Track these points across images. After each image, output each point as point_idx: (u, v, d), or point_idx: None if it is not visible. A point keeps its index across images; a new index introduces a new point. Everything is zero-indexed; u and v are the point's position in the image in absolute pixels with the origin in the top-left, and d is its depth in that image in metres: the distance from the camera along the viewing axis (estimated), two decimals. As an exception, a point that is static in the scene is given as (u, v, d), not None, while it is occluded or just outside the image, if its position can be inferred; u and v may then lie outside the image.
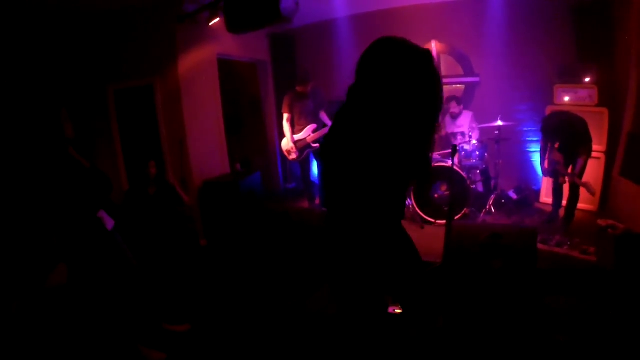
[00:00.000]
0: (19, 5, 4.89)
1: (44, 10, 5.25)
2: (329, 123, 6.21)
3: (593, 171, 5.59)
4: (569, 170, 5.08)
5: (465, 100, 6.84)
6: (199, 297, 4.49)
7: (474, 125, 6.22)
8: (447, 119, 6.59)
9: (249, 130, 8.29)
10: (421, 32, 7.17)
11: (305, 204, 6.83)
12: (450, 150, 4.26)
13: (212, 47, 6.35)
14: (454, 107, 6.44)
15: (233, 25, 5.20)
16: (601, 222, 5.19)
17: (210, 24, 5.60)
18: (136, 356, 3.46)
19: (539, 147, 5.58)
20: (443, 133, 6.62)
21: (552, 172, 5.35)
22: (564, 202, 5.40)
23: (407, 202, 6.10)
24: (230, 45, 6.70)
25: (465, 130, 6.13)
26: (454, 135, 6.41)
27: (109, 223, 3.91)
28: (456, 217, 5.52)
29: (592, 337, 3.28)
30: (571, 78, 6.04)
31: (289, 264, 4.61)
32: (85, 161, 3.67)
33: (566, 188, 5.34)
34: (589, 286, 3.90)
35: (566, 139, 5.10)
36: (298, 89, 6.21)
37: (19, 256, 2.97)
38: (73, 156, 3.58)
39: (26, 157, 3.59)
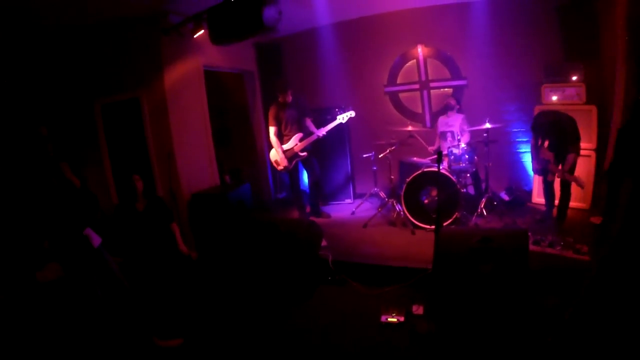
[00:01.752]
0: (3, 22, 4.84)
1: (28, 26, 5.20)
2: (315, 130, 6.21)
3: (584, 169, 5.59)
4: (559, 167, 5.08)
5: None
6: (191, 311, 4.44)
7: (465, 128, 6.21)
8: (442, 119, 6.59)
9: (237, 141, 8.25)
10: (407, 37, 7.22)
11: (296, 214, 6.80)
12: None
13: (198, 59, 6.32)
14: (452, 100, 6.46)
15: (217, 37, 5.17)
16: (594, 219, 5.19)
17: (195, 35, 5.58)
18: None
19: (530, 146, 5.58)
20: (438, 143, 6.62)
21: (542, 170, 5.35)
22: (557, 202, 5.39)
23: (397, 208, 6.09)
24: (216, 56, 6.68)
25: (455, 130, 6.10)
26: (444, 134, 6.41)
27: (96, 240, 3.88)
28: (447, 222, 5.49)
29: (583, 337, 3.25)
30: (558, 77, 6.05)
31: (277, 275, 4.57)
32: (76, 180, 3.66)
33: (557, 187, 5.33)
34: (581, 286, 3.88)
35: (555, 137, 5.10)
36: (280, 99, 6.22)
37: (8, 254, 2.96)
38: (64, 174, 3.57)
39: (10, 172, 3.56)
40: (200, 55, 6.32)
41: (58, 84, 5.96)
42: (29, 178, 3.43)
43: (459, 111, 6.45)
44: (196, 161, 6.31)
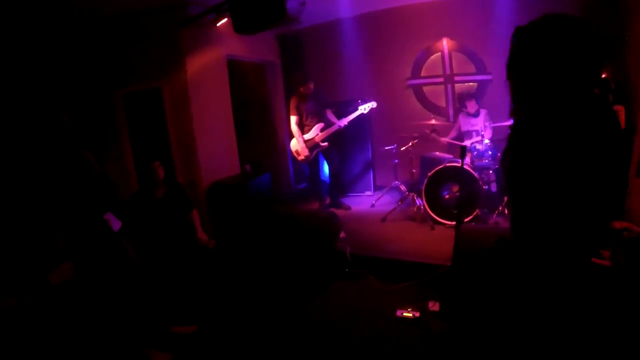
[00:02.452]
0: (26, 14, 4.91)
1: (51, 18, 5.28)
2: (335, 121, 6.21)
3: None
4: None
5: (478, 98, 6.69)
6: (206, 298, 4.47)
7: (487, 124, 6.10)
8: (464, 117, 6.48)
9: (258, 132, 8.26)
10: (431, 30, 7.12)
11: (315, 205, 6.80)
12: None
13: (221, 49, 6.33)
14: (471, 107, 6.33)
15: (240, 26, 5.18)
16: (616, 224, 5.05)
17: (218, 25, 5.59)
18: (141, 357, 3.45)
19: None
20: (454, 134, 6.54)
21: None
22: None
23: (417, 202, 6.04)
24: (238, 47, 6.69)
25: (479, 128, 6.01)
26: (469, 133, 6.32)
27: (116, 224, 3.92)
28: (467, 219, 5.42)
29: (602, 343, 3.18)
30: (584, 75, 5.88)
31: (294, 268, 4.57)
32: (97, 166, 3.71)
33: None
34: (601, 291, 3.79)
35: None
36: (301, 90, 6.21)
37: (21, 254, 2.98)
38: (88, 160, 3.61)
39: (31, 159, 3.61)
40: (222, 45, 6.33)
41: (81, 74, 6.03)
42: (49, 164, 3.47)
43: (482, 107, 6.34)
44: (217, 150, 6.33)
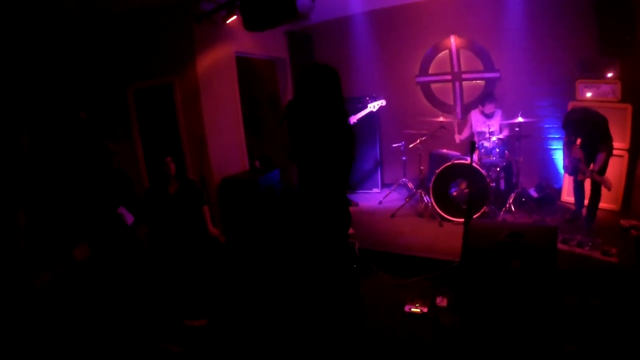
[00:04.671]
0: (38, 9, 4.97)
1: (63, 14, 5.33)
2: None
3: (616, 169, 5.47)
4: (590, 168, 4.97)
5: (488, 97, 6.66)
6: (218, 293, 4.53)
7: (502, 123, 6.12)
8: (478, 116, 6.45)
9: (268, 128, 8.31)
10: (440, 27, 7.14)
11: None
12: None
13: (230, 45, 6.37)
14: (489, 108, 6.29)
15: (250, 23, 5.22)
16: (624, 222, 5.09)
17: (228, 22, 5.63)
18: (153, 349, 3.51)
19: (562, 143, 5.46)
20: (466, 134, 6.55)
21: (573, 169, 5.24)
22: (586, 201, 5.29)
23: (425, 199, 6.08)
24: (248, 43, 6.72)
25: (495, 130, 5.98)
26: (482, 133, 6.22)
27: (129, 218, 3.99)
28: (475, 216, 5.46)
29: (610, 341, 3.23)
30: (593, 73, 5.90)
31: (304, 261, 4.62)
32: (114, 161, 3.78)
33: (588, 186, 5.23)
34: (609, 288, 3.83)
35: (585, 135, 4.97)
36: None
37: (48, 234, 3.12)
38: (108, 152, 3.69)
39: (49, 153, 3.67)
40: (232, 42, 6.37)
41: (93, 70, 6.07)
42: (67, 159, 3.54)
43: (497, 107, 6.35)
44: (227, 146, 6.39)
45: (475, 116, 6.47)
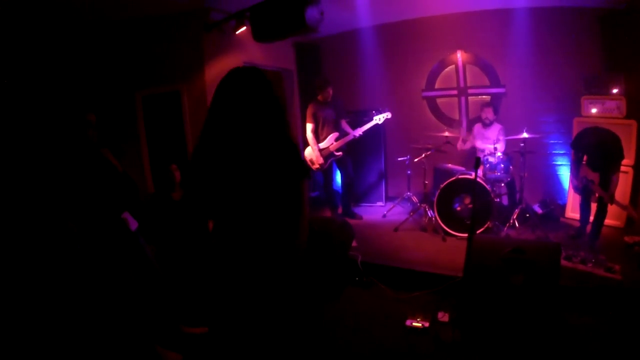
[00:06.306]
0: (50, 15, 5.04)
1: (75, 20, 5.41)
2: (350, 131, 6.25)
3: (620, 186, 5.44)
4: (607, 192, 4.86)
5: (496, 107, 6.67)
6: (219, 300, 4.51)
7: (500, 138, 6.12)
8: (478, 128, 6.50)
9: (273, 139, 8.31)
10: (446, 42, 7.18)
11: (328, 213, 6.84)
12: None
13: (239, 55, 6.41)
14: (489, 113, 6.31)
15: (259, 34, 5.28)
16: (628, 239, 5.07)
17: (237, 32, 5.68)
18: (152, 356, 3.50)
19: (569, 162, 5.43)
20: (468, 146, 6.56)
21: (583, 189, 5.20)
22: (591, 218, 5.26)
23: (429, 214, 6.07)
24: (256, 54, 6.76)
25: (491, 142, 6.01)
26: (482, 150, 6.29)
27: (133, 224, 4.00)
28: (478, 231, 5.44)
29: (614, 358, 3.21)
30: (598, 89, 5.91)
31: (307, 273, 4.61)
32: (119, 165, 3.79)
33: (593, 203, 5.21)
34: (612, 305, 3.81)
35: (600, 158, 4.91)
36: (320, 97, 6.24)
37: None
38: (108, 159, 3.70)
39: (52, 156, 3.71)
40: (241, 52, 6.41)
41: (103, 75, 6.13)
42: (73, 162, 3.56)
43: (497, 122, 6.37)
44: (232, 155, 6.37)
45: (477, 131, 6.51)
